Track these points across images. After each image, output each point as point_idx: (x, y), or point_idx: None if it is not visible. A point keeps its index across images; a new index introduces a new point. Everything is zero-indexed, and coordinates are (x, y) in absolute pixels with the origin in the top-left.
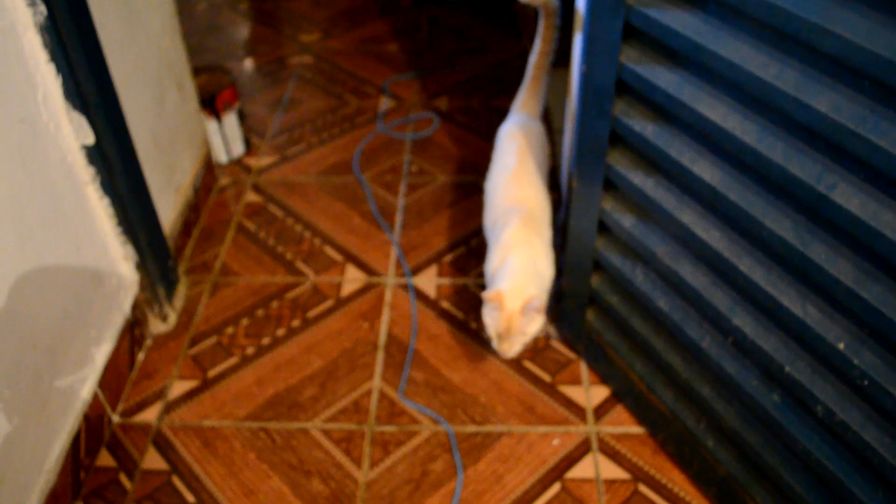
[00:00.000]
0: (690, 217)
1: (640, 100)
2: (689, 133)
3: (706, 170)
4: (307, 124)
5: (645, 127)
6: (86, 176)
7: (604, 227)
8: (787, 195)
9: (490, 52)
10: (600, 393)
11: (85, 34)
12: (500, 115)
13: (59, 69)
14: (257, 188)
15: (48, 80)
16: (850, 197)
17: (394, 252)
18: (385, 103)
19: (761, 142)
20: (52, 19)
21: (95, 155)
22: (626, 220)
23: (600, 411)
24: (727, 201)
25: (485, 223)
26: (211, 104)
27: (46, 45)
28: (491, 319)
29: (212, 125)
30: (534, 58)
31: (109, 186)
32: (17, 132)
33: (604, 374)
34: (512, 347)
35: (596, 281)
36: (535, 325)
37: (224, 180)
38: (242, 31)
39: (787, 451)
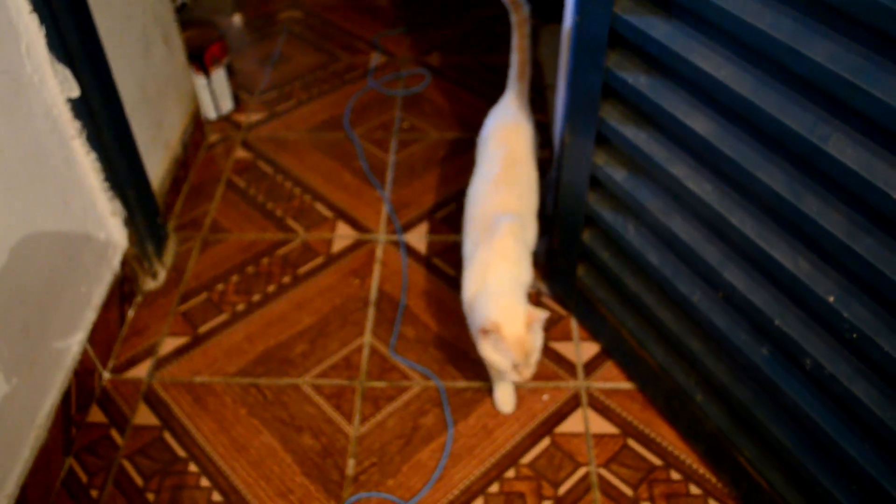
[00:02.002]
0: (683, 170)
1: (634, 51)
2: (682, 85)
3: (699, 122)
4: (297, 80)
5: (638, 79)
6: (72, 130)
7: (596, 183)
8: (781, 147)
9: (481, 7)
10: (590, 349)
11: None
12: (491, 70)
13: (42, 19)
14: (247, 144)
15: (31, 30)
16: (843, 148)
17: (385, 208)
18: (376, 59)
19: (755, 93)
20: None
21: (81, 108)
22: (618, 175)
23: (590, 367)
24: (720, 154)
25: (464, 237)
26: (199, 59)
27: None
28: (497, 353)
29: (200, 80)
30: (515, 54)
31: (96, 141)
32: (0, 84)
33: (594, 329)
34: (531, 369)
35: (587, 237)
36: (541, 336)
37: (213, 136)
38: None
39: (775, 405)
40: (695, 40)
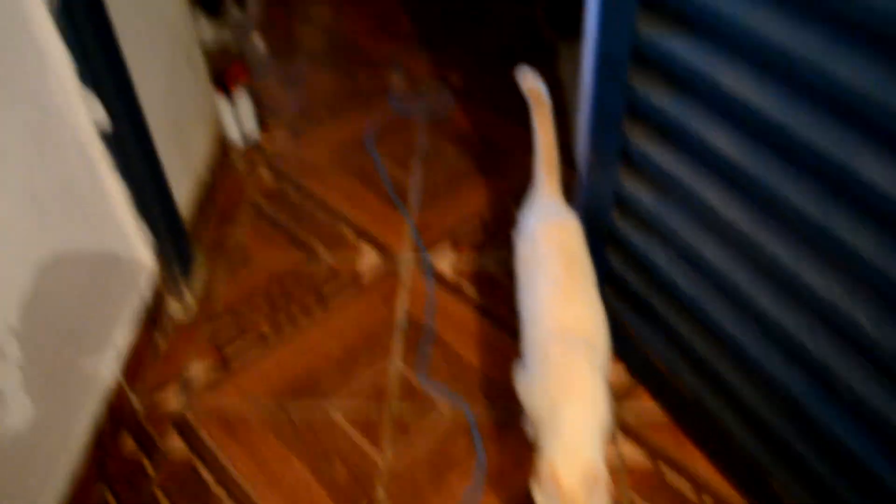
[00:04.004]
0: (710, 192)
1: (658, 70)
2: (708, 104)
3: (726, 142)
4: (320, 102)
5: (662, 98)
6: (100, 156)
7: (621, 203)
8: (809, 166)
9: (501, 25)
10: (620, 374)
11: (96, 13)
12: (513, 91)
13: (71, 49)
14: (271, 167)
15: (60, 60)
16: (873, 167)
17: (409, 230)
18: (398, 80)
19: (782, 112)
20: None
21: (109, 135)
22: (643, 196)
23: (621, 393)
24: (747, 175)
25: (526, 349)
26: (222, 82)
27: (58, 24)
28: (545, 500)
29: (224, 104)
30: (541, 148)
31: (124, 167)
32: (31, 113)
33: (623, 354)
34: None
35: (613, 258)
36: (604, 500)
37: (238, 159)
38: (253, 8)
39: (811, 432)
40: (719, 59)
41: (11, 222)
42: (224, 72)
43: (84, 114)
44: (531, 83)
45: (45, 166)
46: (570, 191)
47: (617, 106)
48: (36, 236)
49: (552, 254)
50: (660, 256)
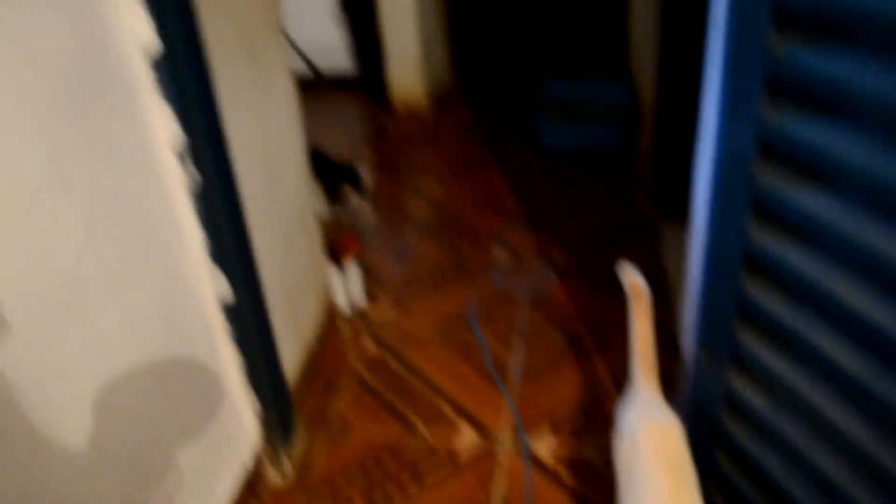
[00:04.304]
0: (826, 401)
1: (771, 276)
2: (825, 314)
3: (845, 355)
4: (425, 275)
5: (776, 304)
6: (220, 328)
7: (731, 404)
8: None
9: (604, 204)
10: None
11: (230, 195)
12: (615, 271)
13: (206, 229)
14: (376, 338)
15: (195, 238)
16: None
17: (508, 411)
18: (502, 256)
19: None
20: (204, 184)
21: (230, 307)
22: (755, 399)
23: None
24: (865, 386)
25: None
26: (335, 255)
27: (196, 207)
28: None
29: (335, 274)
30: (638, 345)
31: (240, 336)
32: (164, 286)
33: None
34: None
35: (723, 460)
36: None
37: (344, 329)
38: (366, 181)
39: None
40: (836, 270)
41: (133, 387)
42: (336, 243)
43: (209, 287)
44: (632, 277)
45: (169, 337)
46: (674, 379)
47: (727, 306)
48: (155, 402)
49: (654, 462)
50: (773, 463)
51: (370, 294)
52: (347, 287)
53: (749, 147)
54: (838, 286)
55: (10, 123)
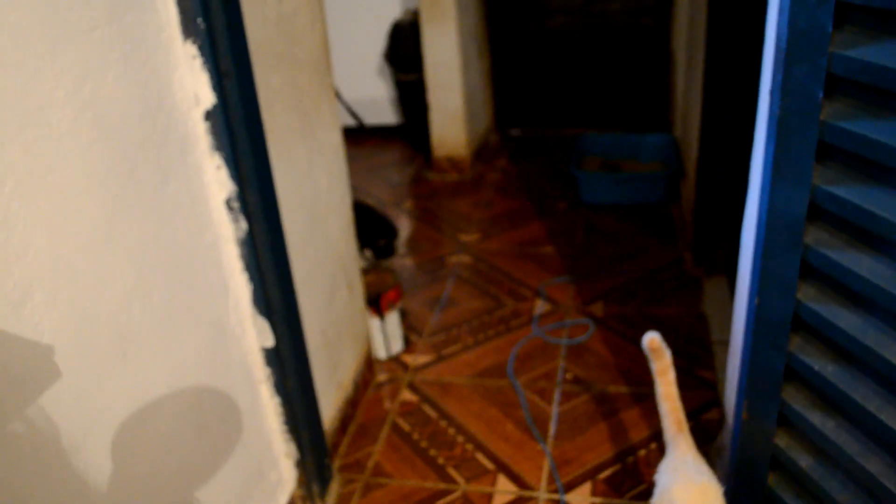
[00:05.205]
0: (877, 467)
1: (819, 338)
2: (874, 377)
3: (889, 415)
4: (463, 324)
5: (825, 366)
6: (261, 375)
7: (777, 465)
8: None
9: (645, 258)
10: None
11: (277, 246)
12: (656, 322)
13: (251, 278)
14: (413, 387)
15: (240, 287)
16: None
17: (547, 464)
18: (541, 306)
19: None
20: (251, 233)
21: (272, 356)
22: (803, 461)
23: None
24: None
25: None
26: (376, 303)
27: (243, 256)
28: None
29: (374, 323)
30: (664, 404)
31: (281, 385)
32: (208, 334)
33: None
34: None
35: None
36: None
37: (382, 377)
38: (405, 229)
39: None
40: (884, 332)
41: (173, 433)
42: (379, 294)
43: (253, 336)
44: (651, 339)
45: (212, 384)
46: (716, 435)
47: (775, 368)
48: (192, 448)
49: None
50: None
51: (409, 342)
52: (386, 335)
53: (799, 209)
54: (887, 347)
55: (74, 180)
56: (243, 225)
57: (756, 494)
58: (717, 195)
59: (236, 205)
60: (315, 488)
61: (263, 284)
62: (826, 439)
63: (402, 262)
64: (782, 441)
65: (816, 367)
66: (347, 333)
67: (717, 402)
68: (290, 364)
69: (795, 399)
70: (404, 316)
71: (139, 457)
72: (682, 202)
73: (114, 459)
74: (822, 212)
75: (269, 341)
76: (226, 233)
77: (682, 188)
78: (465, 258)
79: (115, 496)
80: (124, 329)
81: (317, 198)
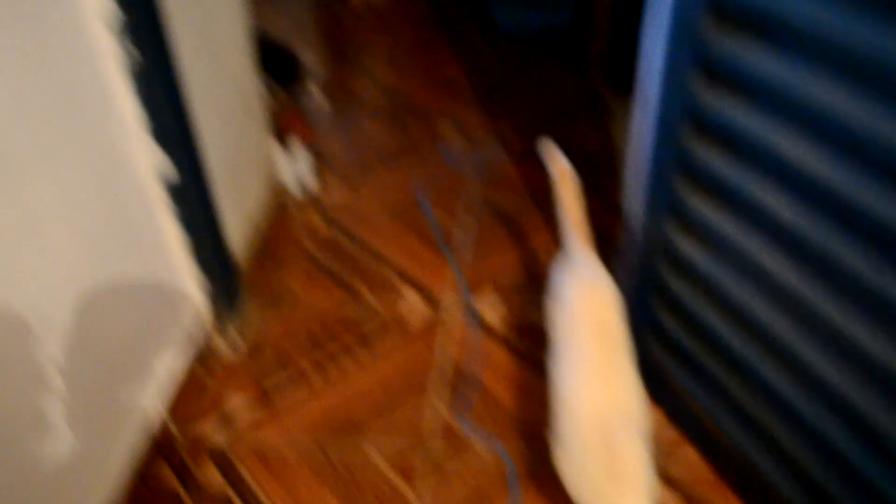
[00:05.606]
0: (764, 253)
1: (711, 132)
2: (762, 168)
3: (781, 206)
4: (374, 154)
5: (716, 160)
6: (160, 200)
7: (670, 259)
8: (862, 229)
9: (558, 88)
10: (668, 431)
11: (168, 73)
12: (563, 146)
13: (140, 99)
14: (325, 216)
15: (129, 110)
16: None
17: (456, 279)
18: (452, 136)
19: (837, 176)
20: (143, 63)
21: (171, 184)
22: (693, 253)
23: (666, 449)
24: (801, 237)
25: (559, 426)
26: (281, 134)
27: (135, 85)
28: None
29: (282, 156)
30: (567, 213)
31: (184, 214)
32: (98, 159)
33: (671, 411)
34: None
35: (661, 312)
36: None
37: (292, 209)
38: (313, 64)
39: (859, 487)
40: (774, 122)
41: (64, 255)
42: (285, 126)
43: (149, 163)
44: (555, 159)
45: (109, 211)
46: (620, 247)
47: (669, 165)
48: (91, 276)
49: (585, 326)
50: (709, 312)
51: (321, 178)
52: (296, 168)
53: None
54: (777, 140)
55: None
56: (133, 52)
57: (651, 288)
58: (628, 17)
59: (123, 31)
60: (227, 315)
61: (153, 106)
62: (716, 231)
63: (311, 97)
64: (676, 237)
65: (708, 161)
66: (253, 164)
67: (622, 219)
68: (189, 189)
69: (688, 194)
70: (316, 152)
71: (30, 284)
72: (596, 28)
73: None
74: (721, 8)
75: (166, 165)
76: (113, 60)
77: (595, 14)
78: (375, 91)
79: (6, 323)
80: (9, 156)
81: (213, 27)
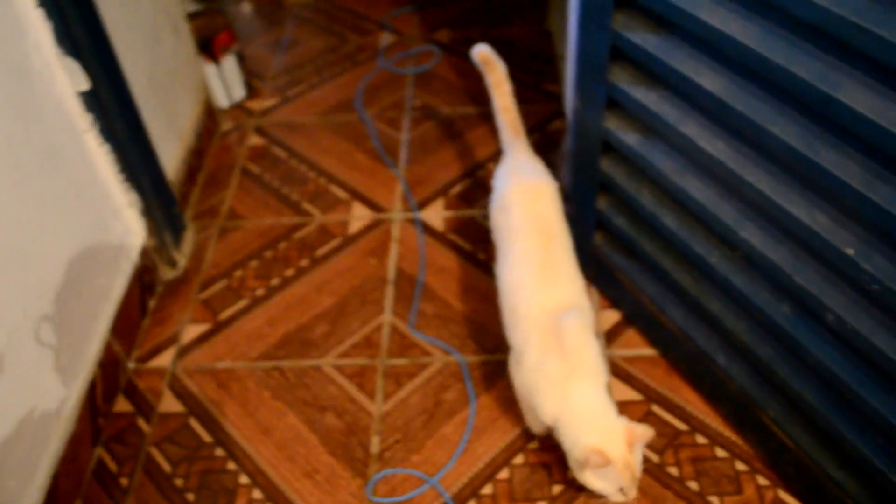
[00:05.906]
0: (695, 130)
1: (640, 10)
2: (690, 42)
3: (709, 79)
4: (308, 64)
5: (645, 39)
6: (83, 123)
7: (608, 148)
8: (793, 99)
9: None
10: (611, 317)
11: None
12: (501, 44)
13: (49, 14)
14: (260, 131)
15: (38, 25)
16: (856, 96)
17: (399, 187)
18: (385, 39)
19: (763, 44)
20: None
21: (92, 101)
22: (630, 139)
23: (611, 335)
24: (731, 110)
25: (509, 326)
26: (208, 48)
27: None
28: (602, 481)
29: (210, 69)
30: (501, 115)
31: (108, 133)
32: (10, 79)
33: (614, 298)
34: (635, 489)
35: (602, 203)
36: (641, 452)
37: (226, 124)
38: None
39: (798, 362)
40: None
41: None
42: (210, 38)
43: (65, 80)
44: (481, 51)
45: (27, 135)
46: (556, 144)
47: (601, 50)
48: (18, 206)
49: (526, 224)
50: (646, 196)
51: (252, 89)
52: (225, 82)
53: None
54: (705, 13)
55: None
56: None
57: (592, 179)
58: None
59: None
60: (168, 238)
61: (64, 21)
62: (649, 112)
63: (237, 6)
64: (612, 123)
65: (637, 41)
66: (181, 81)
67: (562, 113)
68: (113, 109)
69: (621, 78)
70: (244, 61)
71: None
72: None
73: None
74: None
75: (84, 84)
76: None
77: None
78: None
79: None
80: None
81: None
